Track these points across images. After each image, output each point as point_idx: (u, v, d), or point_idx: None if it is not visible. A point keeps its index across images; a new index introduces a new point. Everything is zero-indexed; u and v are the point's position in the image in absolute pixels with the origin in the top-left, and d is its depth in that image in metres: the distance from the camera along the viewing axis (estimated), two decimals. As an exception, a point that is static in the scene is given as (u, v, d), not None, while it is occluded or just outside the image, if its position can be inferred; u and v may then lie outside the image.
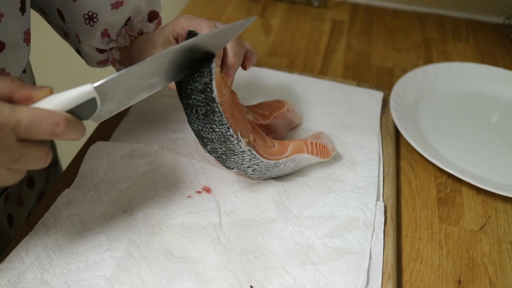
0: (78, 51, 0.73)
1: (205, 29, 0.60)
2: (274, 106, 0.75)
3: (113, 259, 0.57)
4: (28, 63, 0.69)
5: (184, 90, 0.57)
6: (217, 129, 0.57)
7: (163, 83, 0.55)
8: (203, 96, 0.55)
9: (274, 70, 0.93)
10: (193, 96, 0.56)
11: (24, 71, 0.65)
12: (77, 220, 0.61)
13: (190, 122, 0.59)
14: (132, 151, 0.71)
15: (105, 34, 0.67)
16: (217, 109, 0.56)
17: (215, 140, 0.59)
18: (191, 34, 0.57)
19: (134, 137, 0.76)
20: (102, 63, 0.72)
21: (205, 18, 0.63)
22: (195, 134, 0.60)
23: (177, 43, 0.64)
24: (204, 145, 0.61)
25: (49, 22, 0.71)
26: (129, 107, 0.81)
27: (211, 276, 0.56)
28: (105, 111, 0.49)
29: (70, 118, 0.44)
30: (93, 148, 0.71)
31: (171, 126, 0.78)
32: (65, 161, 0.90)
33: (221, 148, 0.60)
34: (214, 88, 0.54)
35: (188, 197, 0.66)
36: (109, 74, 0.48)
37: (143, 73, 0.51)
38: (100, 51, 0.70)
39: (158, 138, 0.75)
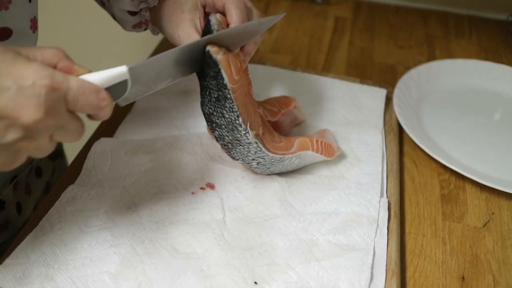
0: (114, 17, 0.74)
1: (231, 5, 0.60)
2: (282, 102, 0.75)
3: (118, 255, 0.57)
4: None
5: (201, 72, 0.59)
6: (226, 115, 0.58)
7: (188, 71, 0.57)
8: (215, 82, 0.57)
9: (277, 68, 0.93)
10: (207, 79, 0.58)
11: None
12: (81, 216, 0.61)
13: (202, 104, 0.60)
14: (136, 147, 0.71)
15: None
16: (228, 96, 0.57)
17: (223, 127, 0.59)
18: (208, 32, 0.58)
19: (138, 134, 0.76)
20: (137, 26, 0.72)
21: None
22: (205, 117, 0.61)
23: (204, 10, 0.65)
24: (212, 130, 0.61)
25: None
26: (133, 104, 0.81)
27: (215, 272, 0.56)
28: (132, 94, 0.51)
29: (110, 96, 0.46)
30: (97, 145, 0.71)
31: (175, 123, 0.78)
32: (69, 157, 0.91)
33: (228, 136, 0.60)
34: (224, 75, 0.56)
35: (192, 193, 0.66)
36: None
37: (172, 61, 0.54)
38: (132, 13, 0.70)
39: (162, 135, 0.76)
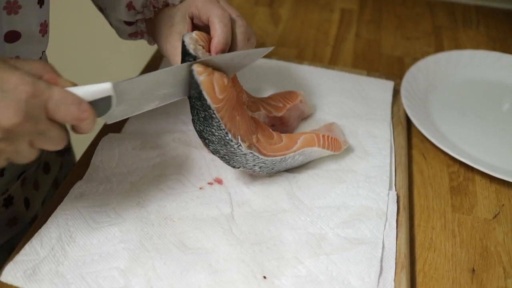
0: (111, 25, 0.75)
1: (215, 18, 0.60)
2: (287, 97, 0.75)
3: (127, 251, 0.57)
4: (44, 55, 0.71)
5: (189, 92, 0.59)
6: (216, 133, 0.58)
7: (177, 95, 0.58)
8: (199, 102, 0.57)
9: (284, 61, 0.92)
10: (193, 100, 0.58)
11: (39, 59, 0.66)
12: (90, 212, 0.61)
13: (193, 122, 0.60)
14: (143, 143, 0.71)
15: (130, 6, 0.68)
16: (214, 115, 0.57)
17: (216, 142, 0.59)
18: (186, 53, 0.58)
19: (145, 129, 0.76)
20: (133, 36, 0.73)
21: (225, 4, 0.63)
22: (198, 134, 0.61)
23: (192, 22, 0.65)
24: (206, 145, 0.61)
25: None
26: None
27: (224, 267, 0.56)
28: (118, 112, 0.52)
29: (92, 109, 0.47)
30: (104, 140, 0.71)
31: (182, 118, 0.78)
32: (77, 152, 0.91)
33: (222, 150, 0.60)
34: (207, 97, 0.56)
35: (200, 188, 0.66)
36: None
37: (159, 82, 0.55)
38: (128, 23, 0.71)
39: (169, 130, 0.76)
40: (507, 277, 0.60)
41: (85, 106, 0.46)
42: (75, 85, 0.47)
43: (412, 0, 1.23)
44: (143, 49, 1.09)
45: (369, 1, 1.22)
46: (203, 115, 0.58)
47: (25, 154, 0.46)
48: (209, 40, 0.61)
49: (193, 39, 0.59)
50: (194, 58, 0.57)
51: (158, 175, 0.68)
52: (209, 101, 0.56)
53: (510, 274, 0.61)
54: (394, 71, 0.97)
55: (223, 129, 0.58)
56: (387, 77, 0.90)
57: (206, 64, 0.57)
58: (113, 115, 0.52)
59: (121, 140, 0.72)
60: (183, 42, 0.58)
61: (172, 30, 0.65)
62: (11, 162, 0.46)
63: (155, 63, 0.92)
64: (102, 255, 0.57)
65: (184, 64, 0.56)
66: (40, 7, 0.59)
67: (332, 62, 0.99)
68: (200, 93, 0.56)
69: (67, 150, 0.90)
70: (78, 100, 0.45)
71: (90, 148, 0.73)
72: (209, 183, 0.67)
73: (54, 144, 0.47)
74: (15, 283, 0.53)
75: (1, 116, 0.41)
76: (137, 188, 0.65)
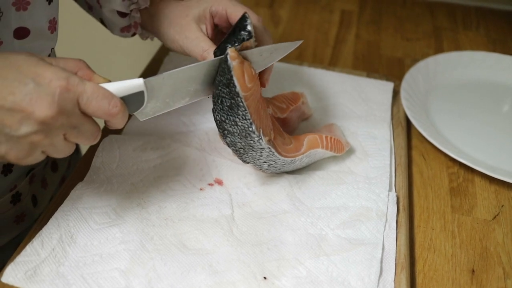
0: (102, 22, 0.74)
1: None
2: (290, 99, 0.75)
3: (127, 252, 0.57)
4: (53, 52, 0.71)
5: (214, 81, 0.59)
6: (239, 123, 0.58)
7: (206, 92, 0.59)
8: (227, 90, 0.57)
9: (284, 62, 0.93)
10: (220, 88, 0.58)
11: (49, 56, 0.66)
12: (90, 213, 0.61)
13: (214, 111, 0.60)
14: (144, 144, 0.72)
15: None
16: (241, 104, 0.57)
17: (236, 134, 0.59)
18: (244, 28, 0.59)
19: (145, 131, 0.76)
20: (125, 30, 0.72)
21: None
22: (216, 124, 0.61)
23: (213, 20, 0.65)
24: (223, 136, 0.61)
25: None
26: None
27: (224, 268, 0.56)
28: (150, 108, 0.53)
29: (124, 104, 0.49)
30: (105, 142, 0.71)
31: (182, 120, 0.78)
32: (84, 152, 0.91)
33: (240, 142, 0.60)
34: (237, 83, 0.56)
35: (200, 189, 0.66)
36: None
37: (189, 77, 0.56)
38: (122, 14, 0.70)
39: (169, 131, 0.76)
40: (507, 278, 0.61)
41: (116, 101, 0.47)
42: (109, 81, 0.49)
43: (412, 1, 1.23)
44: (144, 48, 1.09)
45: (369, 2, 1.22)
46: (228, 103, 0.58)
47: (61, 148, 0.48)
48: None
49: (250, 20, 0.60)
50: (250, 37, 0.58)
51: (159, 176, 0.68)
52: (238, 87, 0.56)
53: (510, 274, 0.61)
54: (394, 72, 0.97)
55: (248, 119, 0.58)
56: (387, 78, 0.90)
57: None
58: (145, 112, 0.53)
59: (121, 141, 0.72)
60: (244, 18, 0.59)
61: (188, 21, 0.65)
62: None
63: (155, 64, 0.92)
64: (102, 256, 0.57)
65: (214, 59, 0.57)
66: (49, 4, 0.60)
67: (332, 63, 0.99)
68: (230, 79, 0.56)
69: (75, 149, 0.90)
70: (110, 95, 0.47)
71: (92, 149, 0.74)
72: (209, 184, 0.67)
73: (87, 139, 0.49)
74: (16, 284, 0.53)
75: (36, 108, 0.43)
76: (138, 189, 0.66)
